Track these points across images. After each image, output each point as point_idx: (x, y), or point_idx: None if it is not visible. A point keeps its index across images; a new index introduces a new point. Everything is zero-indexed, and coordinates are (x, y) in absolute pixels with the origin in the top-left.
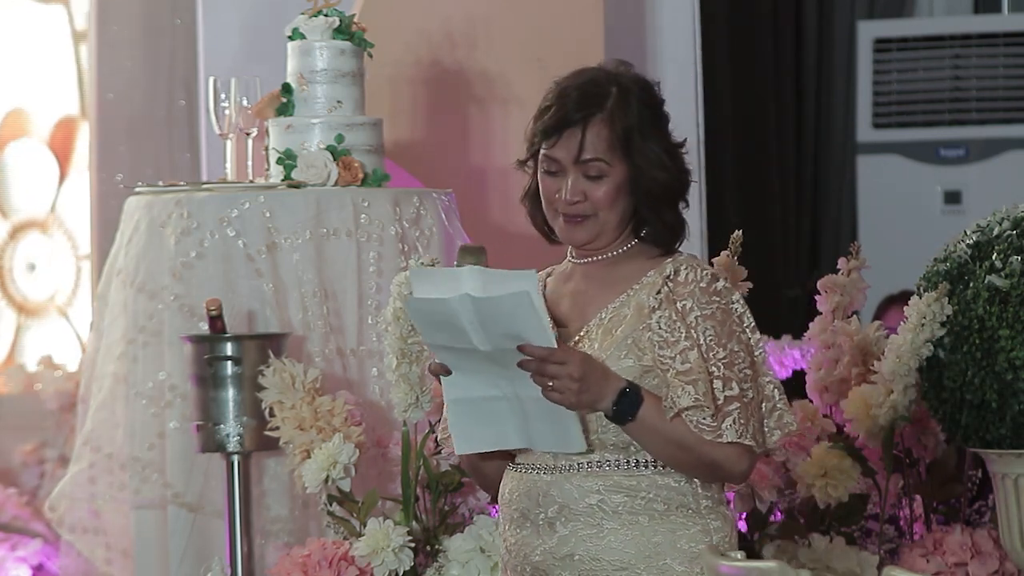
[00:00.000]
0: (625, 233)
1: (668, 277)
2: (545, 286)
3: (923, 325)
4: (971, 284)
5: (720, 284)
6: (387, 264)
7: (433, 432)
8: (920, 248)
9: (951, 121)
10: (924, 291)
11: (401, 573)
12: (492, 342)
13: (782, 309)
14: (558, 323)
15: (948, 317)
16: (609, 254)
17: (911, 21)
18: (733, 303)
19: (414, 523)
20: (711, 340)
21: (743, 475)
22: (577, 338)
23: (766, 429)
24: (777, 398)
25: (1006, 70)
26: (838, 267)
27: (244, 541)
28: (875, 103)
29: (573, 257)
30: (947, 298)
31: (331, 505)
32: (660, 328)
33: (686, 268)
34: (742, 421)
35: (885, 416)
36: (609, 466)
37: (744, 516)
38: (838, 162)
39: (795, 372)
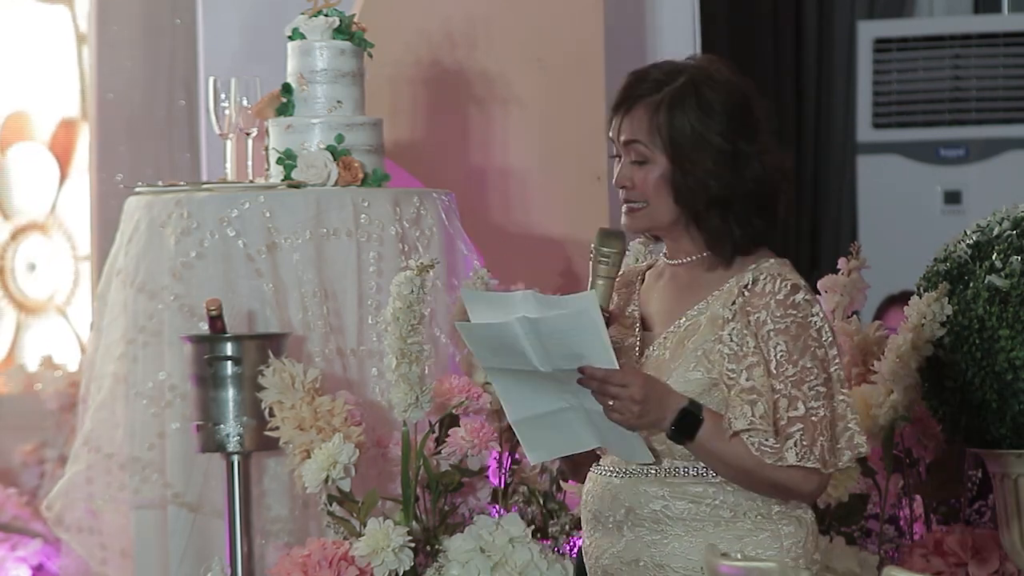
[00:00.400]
0: (699, 235)
1: (745, 287)
2: (643, 280)
3: (923, 325)
4: (971, 284)
5: (800, 296)
6: (387, 264)
7: (433, 432)
8: (920, 248)
9: (951, 121)
10: (924, 291)
11: (401, 573)
12: (552, 363)
13: None
14: (644, 324)
15: (948, 317)
16: (693, 257)
17: (911, 21)
18: (812, 316)
19: (414, 523)
20: (782, 356)
21: (812, 495)
22: (654, 346)
23: (838, 447)
24: (850, 417)
25: (1006, 70)
26: (838, 267)
27: (244, 541)
28: (875, 103)
29: (665, 255)
30: (947, 298)
31: (331, 505)
32: (731, 341)
33: (765, 278)
34: (805, 443)
35: (885, 416)
36: (678, 473)
37: None
38: (838, 162)
39: None
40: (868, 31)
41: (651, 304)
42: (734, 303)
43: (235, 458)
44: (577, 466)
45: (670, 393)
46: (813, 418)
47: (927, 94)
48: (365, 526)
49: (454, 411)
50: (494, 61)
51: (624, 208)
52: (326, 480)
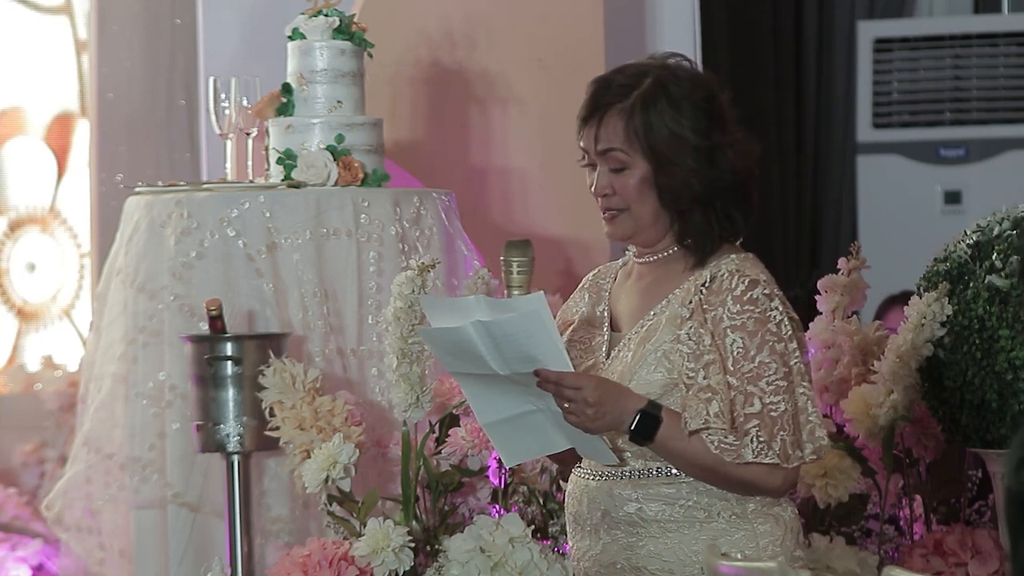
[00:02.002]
0: (673, 232)
1: (703, 285)
2: (616, 279)
3: (923, 325)
4: (971, 284)
5: (758, 292)
6: (387, 264)
7: (433, 432)
8: (920, 248)
9: (951, 121)
10: (924, 291)
11: (401, 573)
12: (509, 366)
13: None
14: (613, 326)
15: (948, 317)
16: (660, 255)
17: (911, 21)
18: (771, 311)
19: (414, 523)
20: (738, 353)
21: (779, 490)
22: (619, 346)
23: (801, 441)
24: (811, 410)
25: (1006, 70)
26: (838, 267)
27: (244, 541)
28: (875, 103)
29: (634, 253)
30: (947, 298)
31: (331, 505)
32: (689, 340)
33: (723, 274)
34: (762, 439)
35: (885, 416)
36: (651, 475)
37: None
38: (838, 162)
39: None
40: (868, 31)
41: (620, 303)
42: (691, 302)
43: (235, 458)
44: (564, 465)
45: (627, 395)
46: (772, 413)
47: (927, 94)
48: (365, 526)
49: (454, 411)
50: (494, 61)
51: (605, 216)
52: (326, 480)
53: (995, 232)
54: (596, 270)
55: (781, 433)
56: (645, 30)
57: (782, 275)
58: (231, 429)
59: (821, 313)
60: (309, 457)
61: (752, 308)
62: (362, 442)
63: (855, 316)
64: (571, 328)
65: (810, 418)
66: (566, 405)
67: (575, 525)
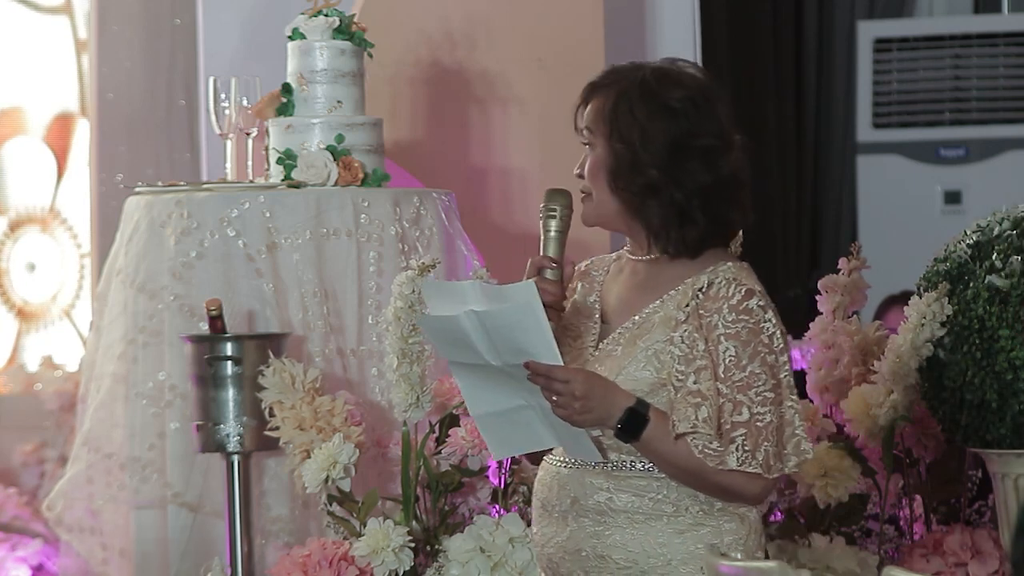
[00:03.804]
0: (642, 228)
1: (700, 290)
2: (608, 271)
3: (923, 325)
4: (971, 284)
5: (753, 302)
6: (387, 264)
7: (433, 432)
8: (920, 248)
9: (951, 121)
10: (924, 291)
11: (401, 573)
12: (501, 357)
13: (782, 309)
14: (603, 318)
15: (948, 317)
16: (652, 255)
17: (911, 21)
18: (764, 323)
19: (414, 523)
20: (731, 361)
21: (756, 499)
22: (608, 340)
23: (784, 453)
24: (797, 424)
25: (1006, 70)
26: (838, 267)
27: (244, 541)
28: (875, 103)
29: (628, 251)
30: (947, 298)
31: (331, 505)
32: (682, 343)
33: (720, 282)
34: (747, 448)
35: (885, 416)
36: (624, 467)
37: None
38: (838, 162)
39: (795, 372)
40: (868, 31)
41: (610, 297)
42: (688, 305)
43: (235, 458)
44: (536, 455)
45: (616, 391)
46: (758, 423)
47: (927, 94)
48: (365, 526)
49: (454, 411)
50: (494, 61)
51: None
52: (326, 480)
53: (995, 232)
54: (590, 260)
55: (765, 444)
56: (645, 30)
57: (782, 275)
58: (231, 429)
59: (821, 313)
60: (309, 457)
61: (747, 318)
62: (362, 442)
63: (855, 316)
64: (566, 303)
65: (796, 431)
66: (554, 398)
67: (542, 511)
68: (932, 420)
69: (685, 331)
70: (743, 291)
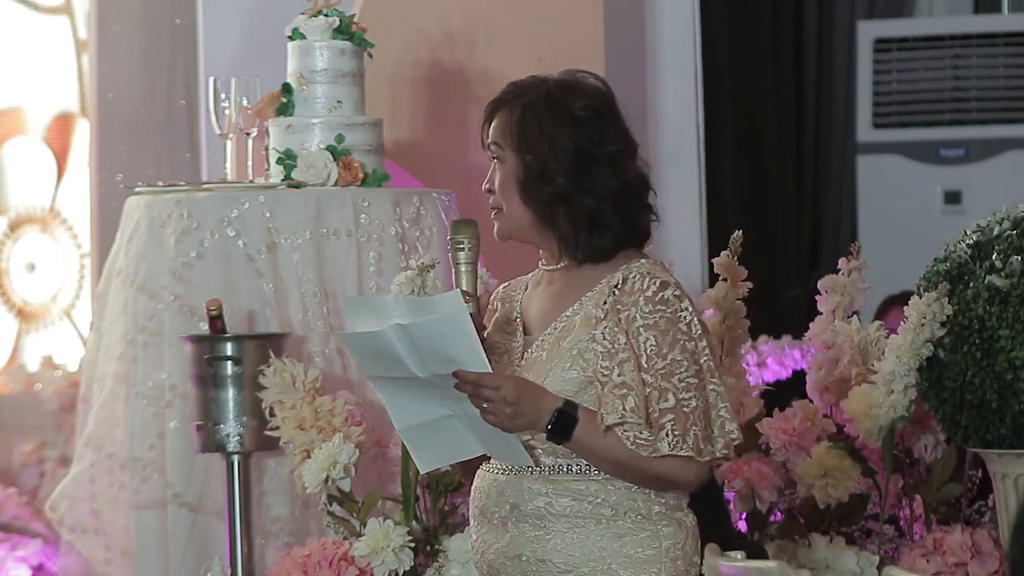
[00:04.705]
0: (553, 237)
1: (616, 286)
2: (526, 288)
3: (923, 325)
4: (971, 284)
5: (668, 293)
6: (387, 264)
7: None
8: (920, 248)
9: (951, 121)
10: (924, 291)
11: (401, 573)
12: (428, 368)
13: (782, 309)
14: (525, 331)
15: (948, 317)
16: (564, 263)
17: (911, 21)
18: (681, 311)
19: (414, 523)
20: (652, 351)
21: (691, 484)
22: (533, 348)
23: (712, 436)
24: (721, 405)
25: (1006, 70)
26: (838, 267)
27: (244, 541)
28: (875, 103)
29: (543, 263)
30: (947, 298)
31: (331, 505)
32: (604, 339)
33: (634, 276)
34: (677, 432)
35: (885, 416)
36: (562, 471)
37: (744, 516)
38: (838, 162)
39: (795, 372)
40: (868, 31)
41: (531, 309)
42: (605, 303)
43: (235, 458)
44: (468, 467)
45: (544, 394)
46: (684, 408)
47: (927, 94)
48: (365, 526)
49: None
50: (494, 61)
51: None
52: (326, 480)
53: (995, 232)
54: (506, 283)
55: (694, 428)
56: (645, 30)
57: (782, 275)
58: (231, 429)
59: (821, 313)
60: (309, 457)
61: (664, 308)
62: (362, 442)
63: (855, 316)
64: (485, 332)
65: (720, 413)
66: (484, 405)
67: (481, 519)
68: (932, 420)
69: (605, 327)
70: (658, 283)
